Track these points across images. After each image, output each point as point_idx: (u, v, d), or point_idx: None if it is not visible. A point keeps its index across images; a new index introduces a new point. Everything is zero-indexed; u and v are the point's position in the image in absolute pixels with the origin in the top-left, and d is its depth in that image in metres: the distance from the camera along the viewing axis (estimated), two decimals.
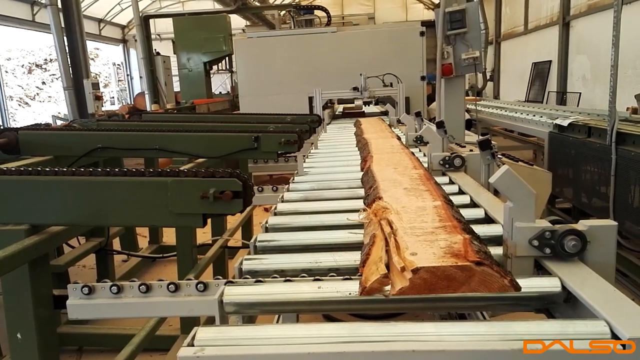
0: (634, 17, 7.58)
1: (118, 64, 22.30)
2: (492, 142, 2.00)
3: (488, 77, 14.05)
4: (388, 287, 0.95)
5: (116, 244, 4.45)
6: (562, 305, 1.05)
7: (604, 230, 1.11)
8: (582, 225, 1.11)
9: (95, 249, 3.56)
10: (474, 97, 8.68)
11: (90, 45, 16.17)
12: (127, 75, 22.13)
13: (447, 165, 2.27)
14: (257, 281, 1.17)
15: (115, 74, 22.26)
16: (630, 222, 3.48)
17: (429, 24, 7.79)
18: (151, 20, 12.41)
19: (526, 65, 12.67)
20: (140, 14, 11.44)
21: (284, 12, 14.63)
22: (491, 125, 7.23)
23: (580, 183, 4.31)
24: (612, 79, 3.46)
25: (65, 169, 1.97)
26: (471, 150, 2.47)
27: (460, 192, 1.98)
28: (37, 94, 21.38)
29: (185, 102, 10.58)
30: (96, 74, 18.89)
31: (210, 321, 2.38)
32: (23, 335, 2.01)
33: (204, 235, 4.23)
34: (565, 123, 4.61)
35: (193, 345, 0.89)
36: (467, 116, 4.27)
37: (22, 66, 21.23)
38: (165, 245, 4.92)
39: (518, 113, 6.06)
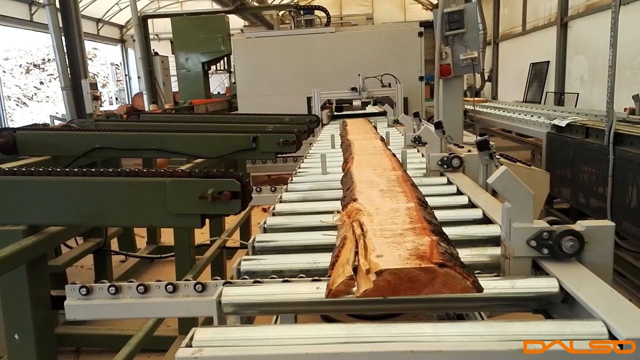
0: (632, 18, 7.59)
1: (116, 64, 22.28)
2: (490, 142, 2.00)
3: (486, 78, 14.07)
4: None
5: (114, 244, 4.45)
6: (560, 305, 1.05)
7: (602, 231, 1.11)
8: (580, 225, 1.11)
9: (93, 249, 3.56)
10: (482, 99, 8.65)
11: (89, 45, 16.15)
12: (125, 75, 22.11)
13: (445, 166, 2.27)
14: (255, 282, 1.18)
15: (113, 74, 22.24)
16: (628, 223, 3.48)
17: (427, 25, 7.79)
18: (149, 20, 12.40)
19: (524, 65, 12.69)
20: (139, 14, 11.42)
21: (282, 12, 14.64)
22: (489, 126, 7.24)
23: (578, 184, 4.32)
24: (610, 79, 3.47)
25: (63, 169, 1.97)
26: (469, 151, 2.47)
27: (459, 192, 1.98)
28: (35, 94, 21.35)
29: (184, 102, 10.56)
30: (94, 74, 18.89)
31: (208, 322, 2.38)
32: (21, 336, 2.01)
33: (202, 235, 4.23)
34: (563, 123, 4.62)
35: (191, 346, 0.89)
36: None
37: (20, 66, 21.19)
38: (164, 246, 4.92)
39: (516, 113, 6.07)
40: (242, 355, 0.87)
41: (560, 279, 1.05)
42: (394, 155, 2.46)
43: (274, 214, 1.82)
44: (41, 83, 21.57)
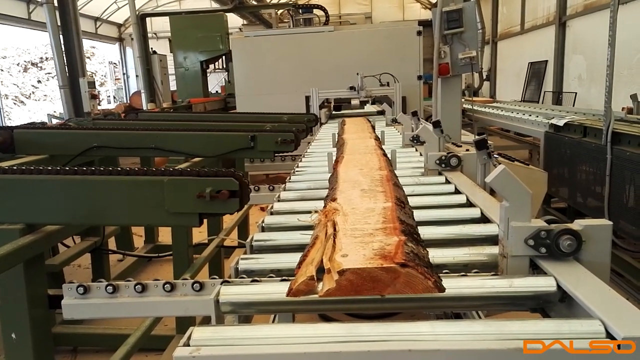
0: (630, 17, 7.60)
1: (114, 63, 22.24)
2: (489, 141, 2.00)
3: (484, 77, 14.08)
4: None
5: (112, 243, 4.44)
6: (558, 304, 1.05)
7: (599, 230, 1.11)
8: (578, 224, 1.11)
9: (90, 248, 3.55)
10: (489, 99, 8.48)
11: (87, 43, 16.11)
12: (123, 73, 22.07)
13: (443, 165, 2.27)
14: (253, 281, 1.17)
15: (111, 73, 22.20)
16: (625, 222, 3.49)
17: (425, 24, 7.79)
18: (148, 19, 12.36)
19: (522, 65, 12.71)
20: (137, 13, 11.39)
21: (281, 11, 14.62)
22: (487, 125, 7.24)
23: (575, 183, 4.33)
24: (608, 79, 3.47)
25: (60, 168, 1.96)
26: (467, 150, 2.47)
27: (457, 191, 1.98)
28: (33, 92, 21.30)
29: (182, 101, 10.55)
30: (92, 73, 18.85)
31: (206, 321, 2.38)
32: (18, 335, 2.00)
33: (199, 234, 4.22)
34: (561, 123, 4.62)
35: (189, 345, 0.89)
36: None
37: (18, 64, 21.14)
38: (161, 245, 4.91)
39: (514, 113, 6.07)
40: (240, 354, 0.87)
41: (557, 277, 1.05)
42: (384, 154, 2.45)
43: (272, 213, 1.82)
44: (39, 81, 21.52)
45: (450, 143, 2.87)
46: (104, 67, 22.84)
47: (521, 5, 13.22)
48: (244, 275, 1.30)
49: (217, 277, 1.26)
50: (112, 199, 1.86)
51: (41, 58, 21.55)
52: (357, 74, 5.49)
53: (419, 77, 7.52)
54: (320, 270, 0.98)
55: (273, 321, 1.44)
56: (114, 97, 21.66)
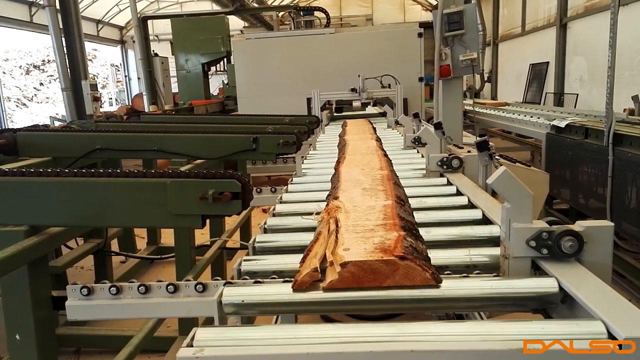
0: (631, 18, 7.60)
1: (116, 65, 22.29)
2: (490, 143, 2.01)
3: (486, 79, 14.07)
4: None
5: (114, 245, 4.45)
6: (559, 305, 1.06)
7: (601, 231, 1.11)
8: (579, 226, 1.11)
9: (93, 250, 3.56)
10: (502, 102, 8.19)
11: (89, 46, 16.15)
12: (125, 76, 22.12)
13: (445, 167, 2.28)
14: (256, 282, 1.18)
15: (113, 75, 22.24)
16: (627, 223, 3.49)
17: (426, 26, 7.79)
18: (149, 22, 12.41)
19: (524, 66, 12.71)
20: (139, 15, 11.44)
21: (282, 13, 14.64)
22: (489, 127, 7.24)
23: (577, 184, 4.33)
24: (609, 80, 3.47)
25: (63, 170, 1.97)
26: (469, 152, 2.48)
27: (458, 193, 1.98)
28: (35, 95, 21.35)
29: (184, 103, 10.57)
30: (94, 75, 18.89)
31: (208, 322, 2.38)
32: (22, 336, 2.01)
33: (202, 236, 4.23)
34: (562, 124, 4.62)
35: (192, 346, 0.90)
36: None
37: (20, 67, 21.21)
38: (164, 247, 4.92)
39: (516, 114, 6.07)
40: (243, 355, 0.87)
41: (559, 279, 1.05)
42: (385, 155, 2.50)
43: (274, 215, 1.82)
44: (41, 84, 21.58)
45: (452, 145, 2.88)
46: (105, 69, 22.90)
47: (522, 7, 13.23)
48: (247, 277, 1.31)
49: (219, 278, 1.27)
50: (115, 200, 1.87)
51: (43, 61, 21.61)
52: (359, 75, 5.49)
53: (420, 79, 7.52)
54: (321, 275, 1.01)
55: (276, 322, 1.45)
56: (116, 100, 21.69)
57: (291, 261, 1.35)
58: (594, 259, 1.12)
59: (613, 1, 3.38)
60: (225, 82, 12.89)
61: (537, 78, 11.91)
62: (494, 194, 1.79)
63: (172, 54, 11.64)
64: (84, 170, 1.96)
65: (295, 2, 19.38)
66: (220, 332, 0.95)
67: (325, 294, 1.06)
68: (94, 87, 7.45)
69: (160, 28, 19.06)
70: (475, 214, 1.67)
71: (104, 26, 19.98)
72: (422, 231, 1.37)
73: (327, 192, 2.14)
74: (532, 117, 5.52)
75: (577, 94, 9.96)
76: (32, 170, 1.95)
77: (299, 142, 3.22)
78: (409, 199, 1.71)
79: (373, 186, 1.74)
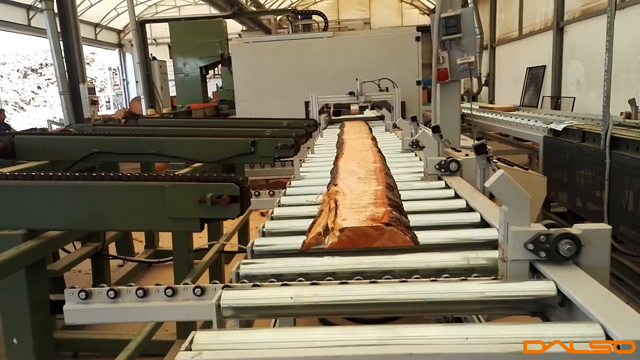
0: (627, 22, 7.64)
1: (114, 69, 22.28)
2: (488, 146, 2.01)
3: (483, 82, 14.09)
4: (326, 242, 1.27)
5: (112, 248, 4.44)
6: (557, 308, 1.06)
7: (599, 234, 1.12)
8: (577, 229, 1.12)
9: (91, 253, 3.55)
10: (513, 106, 7.95)
11: (86, 49, 16.14)
12: (123, 79, 22.11)
13: (442, 170, 2.28)
14: (254, 285, 1.18)
15: (111, 79, 22.23)
16: (625, 226, 3.50)
17: (424, 29, 7.80)
18: (147, 25, 12.43)
19: (521, 70, 12.75)
20: (137, 19, 11.44)
21: (280, 17, 14.67)
22: (486, 130, 7.26)
23: (574, 187, 4.34)
24: (606, 83, 3.49)
25: (61, 174, 1.97)
26: (467, 155, 2.48)
27: (456, 196, 1.99)
28: (33, 98, 21.33)
29: (182, 106, 10.56)
30: (92, 79, 18.89)
31: (206, 326, 2.38)
32: (19, 340, 2.00)
33: (200, 239, 4.22)
34: (559, 128, 4.64)
35: (191, 350, 0.89)
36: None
37: (18, 70, 21.20)
38: (162, 250, 4.91)
39: (513, 118, 6.09)
40: (242, 358, 0.87)
41: (557, 282, 1.05)
42: (379, 151, 2.70)
43: (272, 218, 1.82)
44: (39, 87, 21.57)
45: (450, 148, 2.88)
46: (103, 73, 22.89)
47: (519, 11, 13.28)
48: (245, 280, 1.31)
49: (218, 282, 1.27)
50: (114, 204, 1.87)
51: (41, 64, 21.61)
52: (356, 79, 5.50)
53: (418, 82, 7.53)
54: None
55: (274, 325, 1.44)
56: (114, 103, 21.68)
57: (289, 265, 1.35)
58: (592, 262, 1.12)
59: (609, 5, 3.40)
60: (220, 85, 12.91)
61: (534, 81, 11.95)
62: (491, 197, 1.79)
63: (170, 58, 11.64)
64: (81, 174, 1.96)
65: (293, 5, 19.43)
66: (218, 335, 0.95)
67: (324, 297, 1.07)
68: (91, 90, 7.46)
69: (158, 32, 19.06)
70: (473, 217, 1.67)
71: (101, 30, 19.98)
72: (421, 235, 1.37)
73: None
74: (529, 120, 5.54)
75: (574, 98, 9.99)
76: (30, 173, 1.95)
77: (297, 146, 3.22)
78: (407, 201, 1.74)
79: (367, 176, 1.97)
